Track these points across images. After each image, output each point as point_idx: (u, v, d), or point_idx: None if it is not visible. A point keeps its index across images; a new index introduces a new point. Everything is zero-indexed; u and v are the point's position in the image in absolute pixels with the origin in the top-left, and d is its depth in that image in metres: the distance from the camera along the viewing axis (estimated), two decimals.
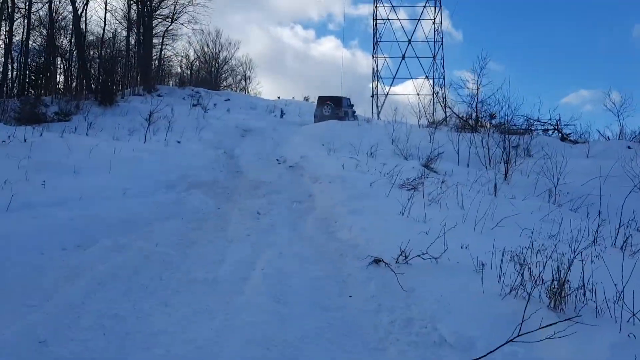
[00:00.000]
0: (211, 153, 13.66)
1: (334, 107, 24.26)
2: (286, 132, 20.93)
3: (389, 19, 44.01)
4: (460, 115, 20.47)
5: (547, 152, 13.78)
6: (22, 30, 31.29)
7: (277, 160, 14.11)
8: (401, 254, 4.41)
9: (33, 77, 28.12)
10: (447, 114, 21.68)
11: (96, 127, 15.76)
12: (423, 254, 4.36)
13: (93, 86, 27.39)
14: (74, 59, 31.77)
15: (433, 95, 41.58)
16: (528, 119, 18.21)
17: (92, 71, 30.30)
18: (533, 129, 18.59)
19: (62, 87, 28.57)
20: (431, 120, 26.96)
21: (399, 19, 44.15)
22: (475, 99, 20.15)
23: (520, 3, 78.32)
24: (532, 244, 4.35)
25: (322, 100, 25.13)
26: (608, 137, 17.62)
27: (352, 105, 26.95)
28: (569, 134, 18.39)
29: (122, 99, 26.09)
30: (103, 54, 30.86)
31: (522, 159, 13.35)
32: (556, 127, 18.86)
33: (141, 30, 32.32)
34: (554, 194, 9.91)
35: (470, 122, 20.25)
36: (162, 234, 5.68)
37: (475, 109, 20.24)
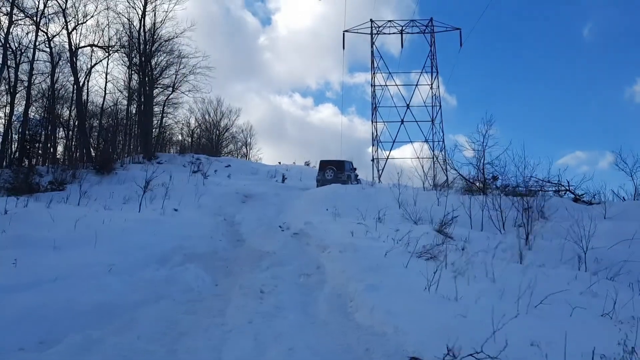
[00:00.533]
0: (210, 221, 12.86)
1: (336, 171, 23.87)
2: (288, 197, 20.22)
3: (386, 85, 44.67)
4: (467, 178, 19.81)
5: (563, 215, 12.96)
6: (23, 102, 31.67)
7: (279, 227, 13.26)
8: (448, 353, 3.44)
9: (28, 147, 27.81)
10: (453, 176, 21.04)
11: (90, 196, 15.06)
12: (477, 352, 3.41)
13: (93, 155, 27.16)
14: (74, 128, 31.74)
15: (433, 158, 41.48)
16: (538, 180, 17.51)
17: (92, 140, 30.17)
18: (544, 190, 17.89)
19: (59, 156, 28.18)
20: (434, 183, 26.47)
21: (396, 85, 44.82)
22: (482, 160, 19.53)
23: (512, 70, 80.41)
24: (625, 342, 3.41)
25: (323, 164, 24.71)
26: (623, 198, 16.87)
27: (355, 169, 26.49)
28: (582, 194, 17.64)
29: (122, 167, 25.63)
30: (103, 123, 30.78)
31: (540, 222, 12.58)
32: (568, 187, 18.15)
33: (142, 100, 32.46)
34: (583, 260, 9.04)
35: (477, 184, 19.59)
36: (147, 321, 4.75)
37: (482, 171, 19.61)
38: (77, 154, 31.36)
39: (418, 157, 41.41)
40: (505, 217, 13.62)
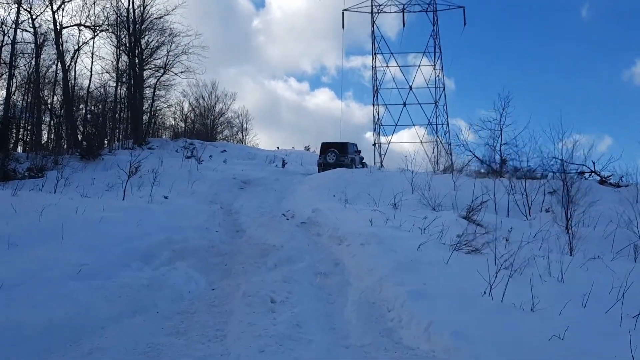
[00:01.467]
0: (205, 209, 11.45)
1: (339, 154, 22.15)
2: (290, 183, 18.84)
3: (387, 67, 43.05)
4: (484, 159, 18.41)
5: (592, 199, 11.66)
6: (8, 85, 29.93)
7: (283, 215, 11.88)
8: None
9: (8, 132, 26.19)
10: (462, 159, 19.64)
11: (71, 183, 13.59)
12: None
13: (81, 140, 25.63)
14: (60, 112, 30.08)
15: (437, 141, 40.17)
16: (561, 160, 16.11)
17: (79, 125, 28.58)
18: (567, 172, 16.54)
19: (44, 142, 26.58)
20: (444, 167, 25.10)
21: (398, 66, 43.16)
22: (499, 140, 18.09)
23: (510, 52, 78.68)
24: None
25: (325, 147, 23.05)
26: None
27: (360, 152, 24.85)
28: (609, 176, 16.32)
29: (110, 153, 24.14)
30: (90, 106, 29.18)
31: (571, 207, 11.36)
32: (594, 169, 16.79)
33: (132, 82, 30.79)
34: None
35: (494, 166, 18.21)
36: (116, 349, 3.40)
37: (499, 152, 18.19)
38: (64, 139, 29.78)
39: (421, 141, 40.19)
40: (532, 202, 12.37)
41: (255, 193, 16.42)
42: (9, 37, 26.88)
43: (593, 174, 16.67)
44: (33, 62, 29.15)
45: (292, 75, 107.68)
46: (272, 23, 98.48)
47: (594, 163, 16.64)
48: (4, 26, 26.97)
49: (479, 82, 76.04)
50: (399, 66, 43.27)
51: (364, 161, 25.06)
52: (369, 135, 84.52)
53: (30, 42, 29.08)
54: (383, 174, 18.39)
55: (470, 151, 19.16)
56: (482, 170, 18.90)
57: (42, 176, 15.03)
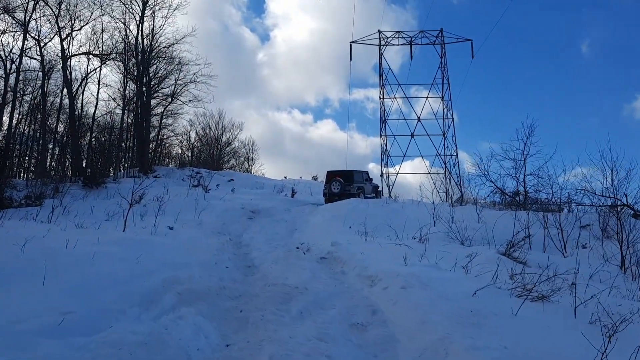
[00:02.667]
0: (213, 241, 10.41)
1: (344, 183, 20.80)
2: (301, 213, 17.82)
3: (395, 97, 42.47)
4: (505, 191, 17.32)
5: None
6: (16, 116, 29.42)
7: (297, 248, 10.81)
8: None
9: (9, 160, 25.44)
10: (492, 189, 18.52)
11: (71, 211, 12.64)
12: None
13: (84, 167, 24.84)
14: (65, 140, 29.46)
15: (445, 173, 39.29)
16: (590, 192, 14.95)
17: (83, 153, 27.85)
18: (597, 205, 15.41)
19: (45, 169, 25.74)
20: (460, 198, 23.97)
21: (406, 97, 42.61)
22: (523, 171, 17.00)
23: (510, 86, 78.60)
24: None
25: (330, 176, 21.74)
26: None
27: (371, 180, 23.32)
28: None
29: (114, 181, 23.27)
30: (96, 134, 28.51)
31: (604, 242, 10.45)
32: (626, 202, 15.63)
33: (139, 110, 30.17)
34: None
35: (518, 198, 17.14)
36: None
37: (523, 183, 17.09)
38: (68, 166, 29.04)
39: (429, 172, 39.29)
40: (567, 237, 11.26)
41: (265, 224, 15.40)
42: (15, 64, 26.45)
43: (626, 207, 15.52)
44: (39, 90, 28.78)
45: (296, 107, 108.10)
46: (277, 56, 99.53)
47: (626, 195, 15.49)
48: (11, 54, 26.62)
49: (480, 116, 75.68)
50: (406, 97, 42.73)
51: (379, 190, 23.72)
52: (372, 166, 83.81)
53: (37, 70, 28.79)
54: (400, 205, 17.34)
55: (492, 181, 18.05)
56: (504, 202, 17.84)
57: (40, 204, 14.10)
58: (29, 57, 27.48)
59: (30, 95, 30.38)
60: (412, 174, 66.04)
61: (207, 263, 7.87)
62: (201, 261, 7.82)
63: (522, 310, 4.66)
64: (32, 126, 30.94)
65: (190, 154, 46.08)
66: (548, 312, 4.71)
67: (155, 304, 5.16)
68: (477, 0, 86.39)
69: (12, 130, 25.37)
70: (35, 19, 26.51)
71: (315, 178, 38.89)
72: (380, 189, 24.32)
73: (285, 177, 37.89)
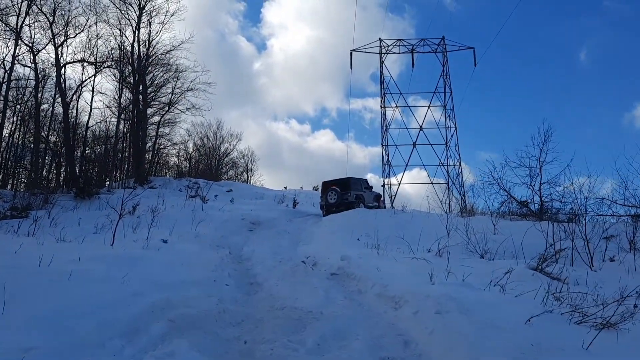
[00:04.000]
0: (212, 256, 9.51)
1: (340, 192, 19.22)
2: (304, 224, 16.92)
3: (397, 106, 41.73)
4: (522, 201, 16.42)
5: None
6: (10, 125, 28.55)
7: (303, 262, 9.89)
8: None
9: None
10: (506, 198, 17.58)
11: (59, 223, 11.73)
12: None
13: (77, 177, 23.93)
14: (59, 149, 28.56)
15: (448, 182, 38.47)
16: (609, 201, 14.06)
17: (77, 162, 26.92)
18: (618, 215, 14.52)
19: (37, 179, 24.79)
20: (467, 209, 23.03)
21: (408, 106, 41.88)
22: (539, 179, 16.12)
23: (510, 95, 78.28)
24: None
25: (325, 186, 20.32)
26: None
27: (371, 187, 21.67)
28: None
29: (108, 192, 22.35)
30: (90, 143, 27.65)
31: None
32: None
33: (135, 119, 29.32)
34: None
35: (533, 208, 16.29)
36: None
37: (538, 192, 16.21)
38: (62, 177, 28.11)
39: (432, 182, 38.45)
40: (594, 249, 10.37)
41: (267, 236, 14.49)
42: (6, 71, 25.62)
43: None
44: (32, 99, 27.93)
45: (293, 117, 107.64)
46: (274, 65, 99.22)
47: None
48: (4, 62, 25.80)
49: (480, 125, 75.23)
50: (408, 106, 42.00)
51: (382, 199, 22.33)
52: (370, 176, 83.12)
53: (30, 78, 27.96)
54: (409, 216, 16.44)
55: (506, 190, 17.14)
56: (517, 212, 16.94)
57: (26, 216, 13.17)
58: (22, 64, 26.72)
59: (24, 104, 29.53)
60: (412, 184, 65.26)
61: (205, 281, 6.97)
62: (198, 279, 6.92)
63: (594, 345, 3.77)
64: (25, 135, 30.05)
65: (188, 165, 45.19)
66: (623, 345, 3.83)
67: (142, 334, 4.25)
68: (475, 9, 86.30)
69: (3, 140, 24.44)
70: (28, 25, 25.75)
71: (316, 188, 37.96)
72: (383, 198, 22.92)
73: (286, 188, 37.00)
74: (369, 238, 12.67)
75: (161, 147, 36.09)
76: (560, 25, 79.34)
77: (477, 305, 4.72)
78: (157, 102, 31.66)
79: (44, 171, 28.68)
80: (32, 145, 27.76)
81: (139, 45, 29.28)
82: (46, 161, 29.06)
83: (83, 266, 5.57)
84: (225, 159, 50.52)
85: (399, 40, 44.98)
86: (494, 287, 6.04)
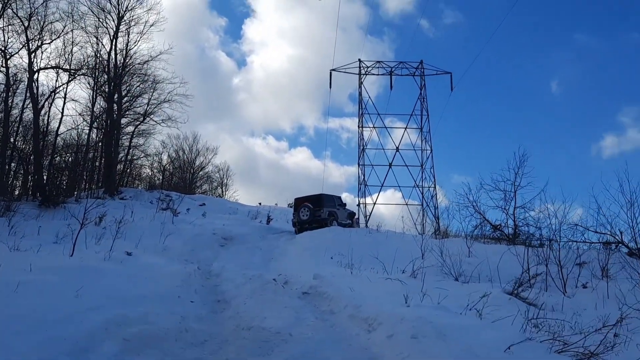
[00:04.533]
0: (178, 270, 9.09)
1: (313, 208, 18.67)
2: (277, 241, 16.55)
3: (374, 127, 41.87)
4: (496, 224, 16.40)
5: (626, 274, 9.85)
6: None
7: (274, 280, 9.53)
8: None
9: None
10: (480, 221, 17.53)
11: (17, 232, 11.12)
12: None
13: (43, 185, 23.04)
14: (28, 157, 27.61)
15: (422, 204, 38.58)
16: (582, 227, 14.06)
17: (44, 170, 25.99)
18: (589, 242, 14.55)
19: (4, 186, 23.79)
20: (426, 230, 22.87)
21: (385, 127, 42.08)
22: (513, 203, 16.16)
23: (483, 121, 79.93)
24: None
25: (298, 202, 19.68)
26: None
27: (345, 205, 21.06)
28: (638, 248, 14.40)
29: (76, 202, 21.58)
30: (58, 150, 26.81)
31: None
32: (621, 239, 14.86)
33: (107, 128, 28.62)
34: None
35: (507, 231, 16.30)
36: None
37: (512, 216, 16.24)
38: (29, 185, 27.10)
39: (407, 204, 38.53)
40: (568, 275, 10.30)
41: (238, 252, 14.09)
42: None
43: (620, 244, 14.72)
44: (2, 104, 27.01)
45: (270, 134, 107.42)
46: (253, 82, 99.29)
47: (621, 232, 14.68)
48: None
49: (454, 149, 76.31)
50: (385, 127, 42.19)
51: (356, 218, 21.84)
52: (345, 195, 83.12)
53: (0, 83, 27.08)
54: (384, 236, 16.26)
55: (481, 213, 17.09)
56: (490, 236, 16.90)
57: None
58: None
59: None
60: (386, 205, 65.30)
61: (168, 296, 6.58)
62: (161, 294, 6.53)
63: None
64: None
65: (161, 177, 44.31)
66: None
67: (91, 354, 3.87)
68: (452, 36, 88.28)
69: None
70: (1, 29, 25.00)
71: (290, 205, 37.54)
72: (357, 216, 22.47)
73: (260, 204, 36.54)
74: (342, 257, 12.40)
75: (134, 157, 35.29)
76: (533, 57, 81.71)
77: (454, 330, 4.48)
78: (132, 112, 31.03)
79: (10, 177, 27.59)
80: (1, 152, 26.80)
81: (115, 54, 28.75)
82: (12, 167, 27.99)
83: (34, 277, 5.15)
84: (200, 173, 49.79)
85: (378, 62, 45.39)
86: (470, 311, 5.82)
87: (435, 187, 39.64)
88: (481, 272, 10.05)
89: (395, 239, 15.19)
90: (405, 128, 41.88)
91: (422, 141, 41.19)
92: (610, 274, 10.38)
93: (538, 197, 16.30)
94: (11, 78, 26.33)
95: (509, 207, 15.80)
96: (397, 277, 9.07)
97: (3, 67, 25.68)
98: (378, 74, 45.11)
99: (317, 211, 18.54)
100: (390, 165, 40.51)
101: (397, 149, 41.08)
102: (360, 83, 43.91)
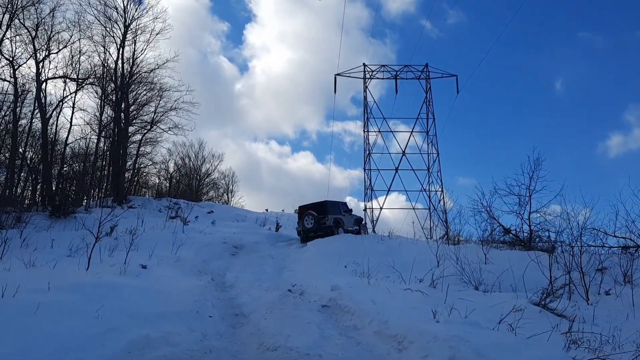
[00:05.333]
0: (194, 283, 8.93)
1: (317, 216, 17.97)
2: (288, 249, 16.38)
3: (380, 132, 41.67)
4: (509, 229, 16.12)
5: None
6: None
7: (289, 291, 9.37)
8: None
9: None
10: (496, 227, 17.22)
11: (30, 245, 11.02)
12: None
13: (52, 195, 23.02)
14: (37, 166, 27.61)
15: (430, 208, 38.34)
16: (600, 232, 13.78)
17: (54, 180, 26.00)
18: (608, 246, 14.29)
19: (12, 197, 23.78)
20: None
21: (391, 131, 41.88)
22: (528, 207, 15.85)
23: (491, 123, 79.54)
24: None
25: (302, 210, 19.02)
26: None
27: (351, 210, 20.49)
28: None
29: (85, 211, 21.53)
30: (67, 160, 26.79)
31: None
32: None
33: (115, 137, 28.59)
34: None
35: (522, 237, 16.01)
36: None
37: (528, 221, 15.93)
38: (38, 195, 27.08)
39: (414, 208, 38.30)
40: (590, 282, 10.06)
41: (250, 261, 13.91)
42: None
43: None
44: (11, 114, 27.03)
45: (273, 138, 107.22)
46: (255, 87, 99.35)
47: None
48: None
49: (460, 152, 75.87)
50: (391, 131, 41.96)
51: (364, 223, 21.01)
52: (349, 199, 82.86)
53: (9, 93, 27.09)
54: (397, 242, 16.04)
55: (495, 218, 16.81)
56: (504, 241, 16.62)
57: None
58: (1, 78, 25.90)
59: (1, 120, 28.58)
60: (391, 209, 64.99)
61: (187, 313, 6.42)
62: (179, 310, 6.37)
63: None
64: (0, 151, 29.04)
65: (168, 185, 44.27)
66: None
67: None
68: (456, 37, 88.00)
69: None
70: (9, 39, 25.04)
71: (297, 212, 37.45)
72: (364, 222, 21.69)
73: (267, 210, 36.35)
74: (357, 265, 12.21)
75: (142, 166, 35.27)
76: (536, 56, 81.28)
77: (492, 350, 4.30)
78: (139, 121, 30.99)
79: (19, 188, 27.60)
80: (7, 161, 26.79)
81: (122, 63, 28.76)
82: (21, 178, 28.00)
83: (53, 297, 5.00)
84: (206, 180, 49.75)
85: (383, 66, 45.19)
86: (502, 325, 5.64)
87: (442, 191, 39.37)
88: (502, 280, 9.84)
89: (408, 246, 14.97)
90: (411, 132, 41.64)
91: (428, 145, 40.97)
92: (633, 279, 10.17)
93: (554, 200, 16.03)
94: (19, 88, 26.41)
95: (524, 212, 15.54)
96: (417, 288, 8.88)
97: (11, 77, 25.72)
98: (383, 78, 44.95)
99: (322, 219, 17.91)
100: (396, 169, 40.27)
101: (404, 153, 40.86)
102: (365, 87, 43.75)
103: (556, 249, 12.65)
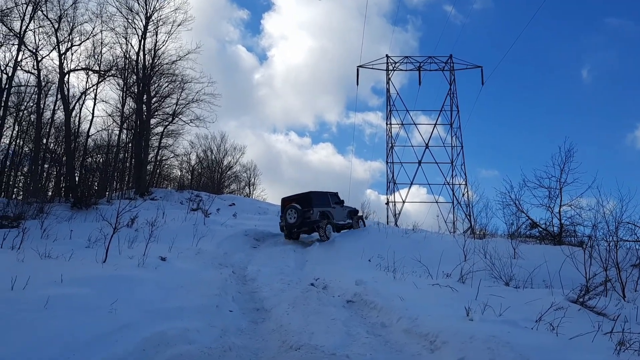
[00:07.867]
0: (214, 276, 8.67)
1: (301, 209, 15.63)
2: (311, 243, 16.05)
3: (402, 124, 40.97)
4: (540, 223, 15.49)
5: None
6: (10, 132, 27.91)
7: (312, 285, 9.05)
8: None
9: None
10: (524, 221, 16.57)
11: (50, 235, 10.92)
12: None
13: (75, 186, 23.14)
14: (60, 158, 27.86)
15: (453, 202, 37.68)
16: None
17: (77, 172, 26.20)
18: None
19: (37, 188, 23.99)
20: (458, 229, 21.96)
21: (414, 124, 41.15)
22: (558, 201, 15.17)
23: (511, 111, 77.71)
24: None
25: (285, 203, 16.44)
26: None
27: (342, 202, 17.55)
28: None
29: (107, 203, 21.59)
30: (90, 152, 26.92)
31: None
32: None
33: (137, 129, 28.64)
34: None
35: (552, 230, 15.37)
36: None
37: (558, 215, 15.26)
38: (62, 186, 27.32)
39: (437, 202, 37.65)
40: (627, 278, 9.48)
41: (272, 254, 13.64)
42: (8, 77, 24.96)
43: None
44: (34, 106, 27.29)
45: (292, 130, 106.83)
46: (274, 77, 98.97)
47: None
48: (7, 67, 25.16)
49: (484, 144, 74.42)
50: (414, 124, 41.23)
51: (359, 215, 18.23)
52: (369, 192, 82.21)
53: (32, 85, 27.35)
54: (421, 236, 15.58)
55: (524, 212, 16.17)
56: (532, 235, 16.01)
57: (16, 226, 12.37)
58: (25, 70, 26.13)
59: (25, 111, 28.92)
60: (411, 203, 64.16)
61: (206, 307, 6.14)
62: (198, 305, 6.09)
63: None
64: (24, 142, 29.40)
65: (190, 177, 44.44)
66: None
67: None
68: (480, 24, 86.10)
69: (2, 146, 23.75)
70: (32, 30, 25.20)
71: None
72: (362, 214, 18.93)
73: None
74: (381, 259, 11.84)
75: (163, 158, 35.39)
76: (562, 44, 79.09)
77: (536, 353, 3.89)
78: (160, 113, 31.01)
79: (43, 179, 27.89)
80: (31, 153, 27.09)
81: (144, 55, 28.77)
82: (45, 169, 28.29)
83: (65, 290, 4.75)
84: (228, 172, 49.80)
85: (406, 57, 44.40)
86: (541, 324, 5.21)
87: (466, 184, 38.55)
88: (534, 275, 9.38)
89: (433, 240, 14.51)
90: (435, 124, 40.91)
91: (452, 137, 40.16)
92: None
93: (586, 193, 15.31)
94: (42, 80, 26.62)
95: (554, 205, 14.91)
96: (446, 283, 8.47)
97: (35, 69, 25.94)
98: (406, 70, 44.24)
99: (306, 212, 15.65)
100: (419, 162, 39.61)
101: (427, 146, 40.15)
102: (388, 79, 43.08)
103: (587, 244, 12.07)
